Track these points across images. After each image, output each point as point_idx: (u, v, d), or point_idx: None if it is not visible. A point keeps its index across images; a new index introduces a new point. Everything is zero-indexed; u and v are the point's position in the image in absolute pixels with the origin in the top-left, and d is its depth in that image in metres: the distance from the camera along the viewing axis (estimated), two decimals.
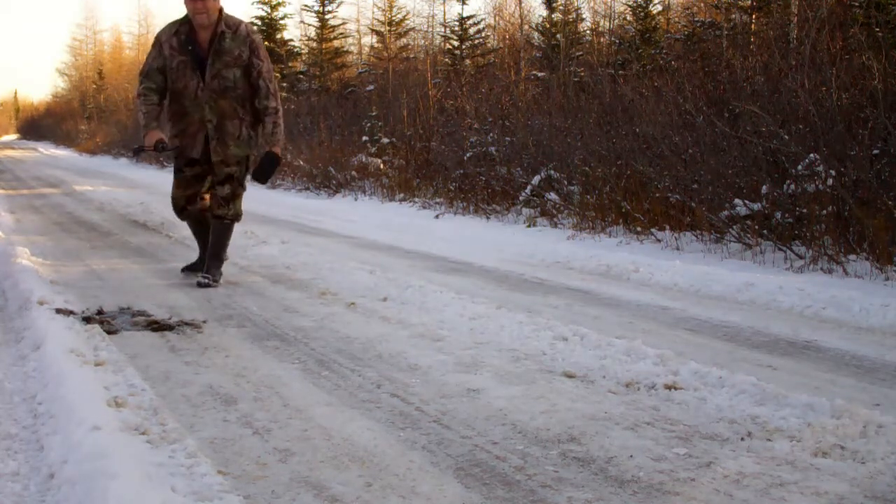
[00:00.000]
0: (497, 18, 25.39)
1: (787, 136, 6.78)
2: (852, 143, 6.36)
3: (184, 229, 8.39)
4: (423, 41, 26.81)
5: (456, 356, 3.62)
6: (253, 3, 26.06)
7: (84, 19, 67.94)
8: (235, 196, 5.40)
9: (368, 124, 14.69)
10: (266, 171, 5.27)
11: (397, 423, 2.81)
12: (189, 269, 5.69)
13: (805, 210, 6.47)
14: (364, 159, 14.00)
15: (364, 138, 14.67)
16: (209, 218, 5.47)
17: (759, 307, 4.87)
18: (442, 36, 22.50)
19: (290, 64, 23.36)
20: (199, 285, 5.22)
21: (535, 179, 9.64)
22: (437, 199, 11.32)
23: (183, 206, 5.49)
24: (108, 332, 3.95)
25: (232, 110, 5.28)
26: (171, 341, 3.91)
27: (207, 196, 5.54)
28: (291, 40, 24.31)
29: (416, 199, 11.75)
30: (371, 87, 18.79)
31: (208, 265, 5.37)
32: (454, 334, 3.99)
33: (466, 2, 30.78)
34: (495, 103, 11.98)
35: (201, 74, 5.26)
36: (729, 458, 2.50)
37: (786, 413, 2.84)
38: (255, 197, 12.96)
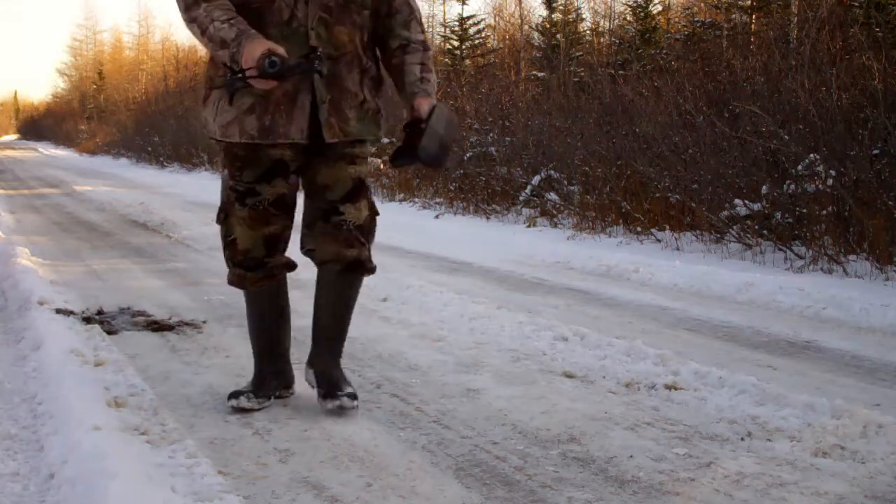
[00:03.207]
0: (497, 18, 25.40)
1: (787, 136, 6.78)
2: (852, 143, 6.36)
3: (184, 229, 8.41)
4: None
5: (456, 356, 3.62)
6: None
7: (84, 19, 67.96)
8: (374, 221, 2.86)
9: None
10: (440, 141, 2.68)
11: (397, 423, 2.81)
12: (251, 396, 2.87)
13: (805, 210, 6.47)
14: None
15: None
16: (318, 273, 2.90)
17: (759, 307, 4.87)
18: (442, 36, 22.50)
19: None
20: (332, 410, 2.81)
21: (535, 179, 9.64)
22: (437, 199, 11.32)
23: (262, 258, 2.81)
24: (108, 332, 3.95)
25: (353, 48, 2.72)
26: (171, 341, 3.90)
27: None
28: None
29: (416, 199, 11.75)
30: None
31: (330, 366, 2.88)
32: (454, 334, 3.99)
33: (466, 2, 30.76)
34: (495, 103, 11.98)
35: None
36: (729, 458, 2.50)
37: (786, 413, 2.84)
38: None
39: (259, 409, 2.84)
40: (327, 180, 2.76)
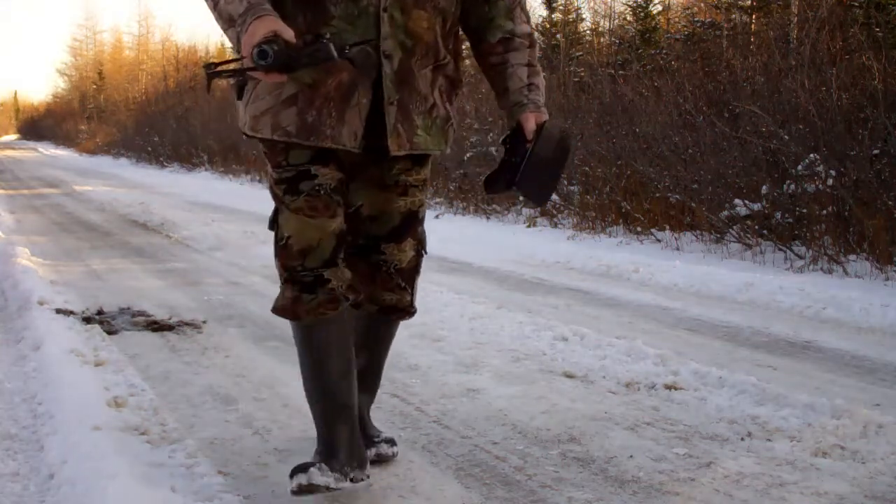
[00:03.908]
0: None
1: (787, 136, 6.78)
2: (852, 143, 6.36)
3: (184, 229, 8.41)
4: None
5: (456, 356, 3.62)
6: None
7: (84, 19, 67.97)
8: (419, 263, 2.40)
9: None
10: (547, 172, 2.24)
11: (397, 423, 2.81)
12: (323, 468, 2.11)
13: (805, 210, 6.47)
14: None
15: None
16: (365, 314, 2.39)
17: (759, 307, 4.86)
18: None
19: None
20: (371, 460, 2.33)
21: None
22: (437, 199, 11.33)
23: (329, 259, 2.17)
24: (108, 332, 3.95)
25: (431, 38, 2.17)
26: (171, 341, 3.90)
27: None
28: None
29: None
30: None
31: (363, 410, 2.48)
32: (454, 334, 3.99)
33: None
34: (495, 103, 11.97)
35: None
36: (729, 458, 2.50)
37: (786, 413, 2.84)
38: (244, 194, 12.98)
39: (337, 490, 2.11)
40: (372, 211, 2.23)
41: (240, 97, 2.12)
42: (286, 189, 2.12)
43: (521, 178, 2.14)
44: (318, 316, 2.14)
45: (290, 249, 2.12)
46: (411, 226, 2.28)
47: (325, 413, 2.20)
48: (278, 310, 2.18)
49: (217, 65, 1.96)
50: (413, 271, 2.34)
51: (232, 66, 1.97)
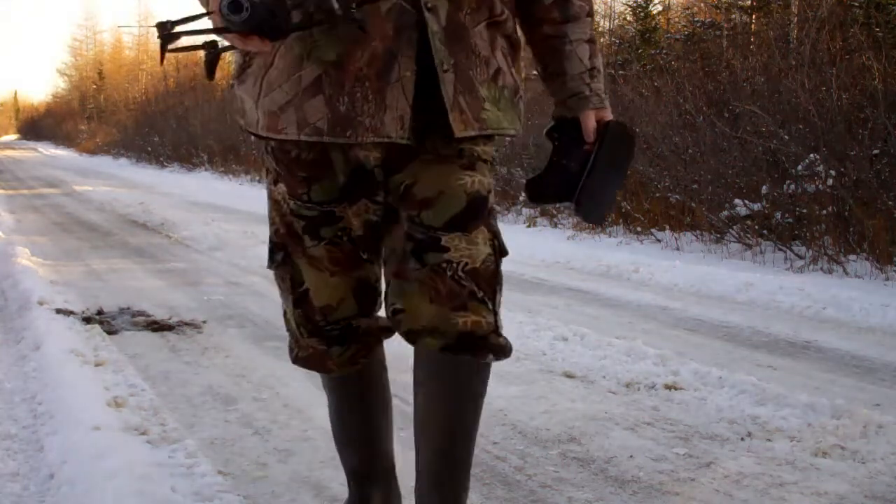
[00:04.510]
0: None
1: (787, 136, 6.79)
2: (852, 143, 6.36)
3: (184, 229, 8.41)
4: None
5: None
6: None
7: (84, 19, 68.02)
8: (498, 266, 1.67)
9: None
10: (610, 186, 1.79)
11: (397, 423, 2.79)
12: None
13: (805, 210, 6.47)
14: None
15: None
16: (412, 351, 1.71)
17: (759, 307, 4.87)
18: None
19: None
20: None
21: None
22: None
23: (351, 320, 1.74)
24: (108, 332, 3.95)
25: None
26: (171, 341, 3.90)
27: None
28: None
29: None
30: None
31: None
32: None
33: None
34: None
35: None
36: (729, 458, 2.50)
37: (786, 413, 2.84)
38: (244, 194, 12.96)
39: None
40: (427, 192, 1.60)
41: (211, 75, 1.53)
42: (305, 228, 1.66)
43: (582, 193, 1.68)
44: (351, 368, 1.76)
45: (310, 304, 1.70)
46: (481, 210, 1.63)
47: (356, 469, 1.86)
48: (301, 362, 1.77)
49: (175, 23, 1.42)
50: (492, 277, 1.62)
51: (194, 27, 1.43)
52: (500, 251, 1.66)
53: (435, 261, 1.60)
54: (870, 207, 6.04)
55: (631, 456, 2.51)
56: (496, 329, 1.63)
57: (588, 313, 4.67)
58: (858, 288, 5.20)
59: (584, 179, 1.68)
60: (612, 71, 11.80)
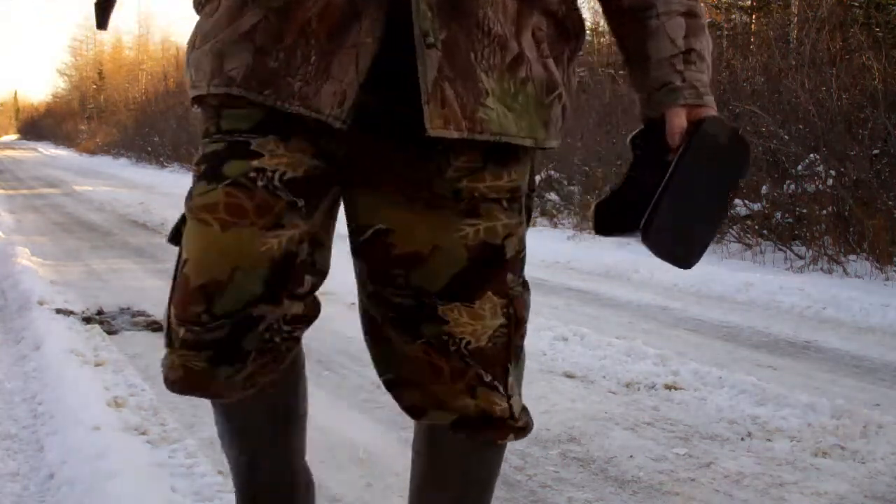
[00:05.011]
0: None
1: (787, 136, 6.79)
2: (852, 143, 6.37)
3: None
4: None
5: None
6: None
7: (84, 19, 67.98)
8: (517, 339, 1.29)
9: None
10: (705, 204, 1.28)
11: (397, 422, 2.81)
12: None
13: (805, 210, 6.47)
14: None
15: None
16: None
17: (759, 307, 4.87)
18: None
19: None
20: None
21: (535, 179, 9.65)
22: None
23: (261, 294, 1.17)
24: (108, 332, 3.95)
25: None
26: None
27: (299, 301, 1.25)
28: None
29: None
30: None
31: None
32: None
33: None
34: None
35: None
36: (729, 458, 2.50)
37: (786, 413, 2.84)
38: None
39: None
40: (412, 245, 1.24)
41: (101, 24, 1.37)
42: (202, 173, 1.20)
43: (652, 216, 1.22)
44: (251, 389, 1.32)
45: (187, 283, 1.19)
46: (490, 271, 1.25)
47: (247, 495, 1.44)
48: (176, 384, 1.34)
49: None
50: (501, 355, 1.27)
51: None
52: (517, 320, 1.28)
53: (433, 333, 1.25)
54: (870, 207, 6.04)
55: (631, 456, 2.51)
56: (510, 413, 1.30)
57: (588, 313, 4.67)
58: (858, 288, 5.20)
59: (657, 198, 1.21)
60: (613, 71, 11.80)
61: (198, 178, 1.20)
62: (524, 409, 1.34)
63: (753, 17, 12.13)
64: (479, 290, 1.24)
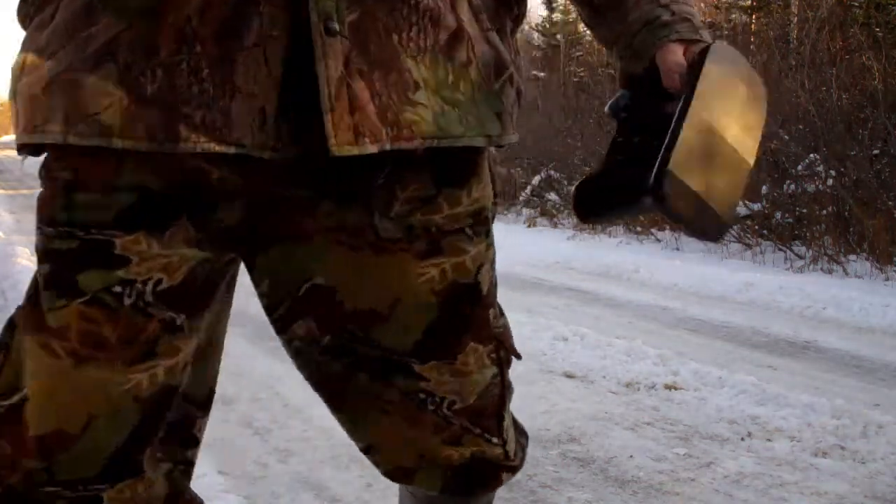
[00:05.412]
0: None
1: (787, 137, 6.79)
2: (852, 143, 6.37)
3: None
4: None
5: None
6: None
7: None
8: (504, 388, 1.17)
9: None
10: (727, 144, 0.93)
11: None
12: None
13: (805, 210, 6.48)
14: None
15: None
16: None
17: (759, 307, 4.87)
18: None
19: None
20: None
21: (535, 179, 9.65)
22: None
23: (120, 460, 0.91)
24: None
25: None
26: None
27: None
28: None
29: None
30: None
31: None
32: None
33: None
34: None
35: None
36: (729, 458, 2.50)
37: (786, 413, 2.84)
38: None
39: None
40: (371, 301, 1.00)
41: None
42: (49, 279, 0.92)
43: (660, 171, 0.93)
44: None
45: (24, 427, 0.91)
46: (468, 317, 1.04)
47: None
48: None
49: None
50: (496, 405, 1.15)
51: None
52: (507, 361, 1.15)
53: (408, 387, 1.03)
54: (870, 207, 6.04)
55: (631, 456, 2.51)
56: (504, 454, 1.14)
57: (588, 313, 4.67)
58: (858, 288, 5.20)
59: (665, 147, 0.93)
60: (613, 71, 11.81)
61: (44, 284, 0.91)
62: (519, 446, 1.19)
63: (753, 17, 12.14)
64: (458, 343, 1.03)
